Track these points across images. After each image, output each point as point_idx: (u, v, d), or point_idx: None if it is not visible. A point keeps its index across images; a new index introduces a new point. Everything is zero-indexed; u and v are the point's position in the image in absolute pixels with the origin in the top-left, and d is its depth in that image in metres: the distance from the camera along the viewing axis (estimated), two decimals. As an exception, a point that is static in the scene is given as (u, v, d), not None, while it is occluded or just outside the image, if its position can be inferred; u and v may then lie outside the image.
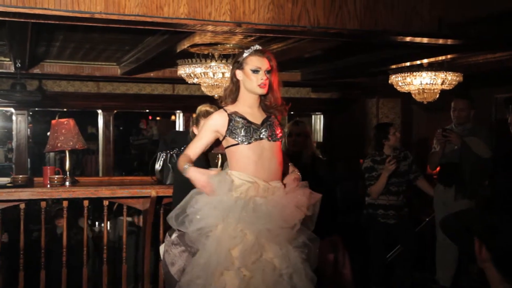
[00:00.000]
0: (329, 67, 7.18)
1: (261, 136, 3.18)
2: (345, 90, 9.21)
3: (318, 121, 9.61)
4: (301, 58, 6.27)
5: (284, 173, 3.32)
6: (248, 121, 3.18)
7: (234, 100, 3.25)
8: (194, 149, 3.24)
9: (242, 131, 3.15)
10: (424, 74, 5.90)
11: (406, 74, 6.02)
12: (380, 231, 5.14)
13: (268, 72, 3.16)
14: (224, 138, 3.21)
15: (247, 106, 3.23)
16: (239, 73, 3.20)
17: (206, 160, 3.83)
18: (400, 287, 5.13)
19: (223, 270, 3.01)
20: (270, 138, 3.21)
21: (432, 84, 5.92)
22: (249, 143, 3.15)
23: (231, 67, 3.33)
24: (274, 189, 3.15)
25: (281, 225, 3.03)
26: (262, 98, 3.24)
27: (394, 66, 6.19)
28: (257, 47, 3.22)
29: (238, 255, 3.01)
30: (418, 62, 5.81)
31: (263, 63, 3.15)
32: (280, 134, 3.27)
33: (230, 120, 3.17)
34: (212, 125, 3.21)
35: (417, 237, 5.41)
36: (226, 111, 3.22)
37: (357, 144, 8.90)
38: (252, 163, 3.14)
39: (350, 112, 9.37)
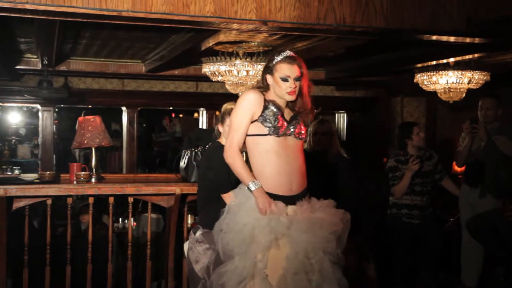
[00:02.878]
0: (353, 66, 7.13)
1: (288, 132, 3.17)
2: (369, 88, 9.15)
3: (341, 120, 9.56)
4: (326, 56, 6.24)
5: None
6: (282, 114, 3.17)
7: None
8: (239, 137, 3.14)
9: (275, 122, 3.12)
10: (450, 73, 5.83)
11: (432, 73, 5.96)
12: (404, 231, 5.10)
13: (298, 79, 3.16)
14: (252, 122, 3.15)
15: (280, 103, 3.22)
16: (269, 78, 3.21)
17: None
18: (426, 288, 5.10)
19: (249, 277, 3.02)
20: (297, 136, 3.20)
21: (459, 83, 5.85)
22: (278, 136, 3.13)
23: (262, 70, 3.30)
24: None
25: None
26: (292, 103, 3.23)
27: (419, 65, 6.13)
28: (288, 53, 3.21)
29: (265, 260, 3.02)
30: (445, 61, 5.74)
31: (292, 71, 3.14)
32: (305, 134, 3.28)
33: (265, 107, 3.15)
34: (249, 106, 3.13)
35: (442, 237, 5.35)
36: (262, 94, 3.18)
37: (381, 143, 8.84)
38: (276, 157, 3.13)
39: (374, 110, 9.31)
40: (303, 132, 3.24)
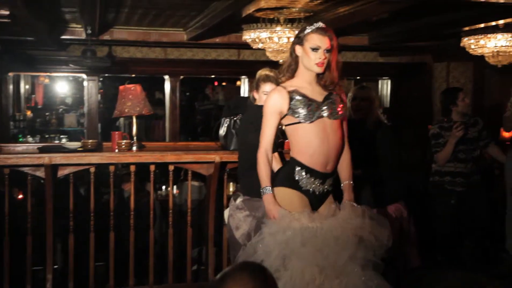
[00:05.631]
0: (397, 30, 6.94)
1: (322, 114, 3.19)
2: (414, 54, 8.90)
3: (385, 86, 9.36)
4: (369, 21, 6.09)
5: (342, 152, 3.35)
6: (309, 99, 3.19)
7: (292, 75, 3.26)
8: (267, 139, 3.25)
9: (304, 109, 3.16)
10: (499, 36, 5.60)
11: (479, 36, 5.73)
12: (447, 198, 5.02)
13: (328, 51, 3.15)
14: (284, 116, 3.23)
15: (306, 82, 3.24)
16: (298, 49, 3.21)
17: None
18: (469, 256, 5.01)
19: None
20: (331, 116, 3.21)
21: (508, 46, 5.62)
22: (311, 121, 3.17)
23: (292, 41, 3.31)
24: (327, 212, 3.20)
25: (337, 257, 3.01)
26: (319, 76, 3.23)
27: (466, 28, 5.90)
28: (320, 24, 3.20)
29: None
30: (493, 23, 5.52)
31: (323, 42, 3.14)
32: (341, 112, 3.27)
33: (291, 99, 3.18)
34: (274, 107, 3.21)
35: (487, 205, 5.24)
36: (285, 88, 3.23)
37: (426, 110, 8.64)
38: (314, 141, 3.18)
39: (418, 76, 9.06)
40: (338, 110, 3.24)
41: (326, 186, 3.29)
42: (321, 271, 2.98)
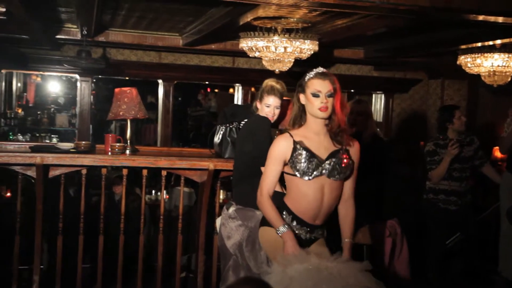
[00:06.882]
0: (393, 46, 6.96)
1: (322, 172, 3.10)
2: (409, 69, 8.94)
3: (378, 101, 9.36)
4: (365, 35, 6.09)
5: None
6: (312, 154, 3.10)
7: (301, 124, 3.18)
8: (270, 182, 3.18)
9: (304, 164, 3.08)
10: (496, 55, 5.62)
11: (476, 55, 5.74)
12: (440, 217, 5.00)
13: (330, 95, 3.08)
14: (286, 164, 3.16)
15: (314, 132, 3.15)
16: (302, 97, 3.15)
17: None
18: (459, 276, 5.00)
19: None
20: (331, 176, 3.12)
21: (504, 66, 5.64)
22: (308, 179, 3.10)
23: (296, 91, 3.21)
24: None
25: None
26: (327, 122, 3.14)
27: (463, 46, 5.93)
28: (320, 69, 3.16)
29: None
30: (491, 42, 5.54)
31: (323, 86, 3.08)
32: (345, 171, 3.15)
33: (294, 149, 3.11)
34: (280, 154, 3.14)
35: (479, 225, 5.23)
36: (292, 136, 3.15)
37: (418, 126, 8.67)
38: (308, 197, 3.12)
39: (412, 92, 9.11)
40: (343, 168, 3.13)
41: (314, 235, 3.23)
42: None
